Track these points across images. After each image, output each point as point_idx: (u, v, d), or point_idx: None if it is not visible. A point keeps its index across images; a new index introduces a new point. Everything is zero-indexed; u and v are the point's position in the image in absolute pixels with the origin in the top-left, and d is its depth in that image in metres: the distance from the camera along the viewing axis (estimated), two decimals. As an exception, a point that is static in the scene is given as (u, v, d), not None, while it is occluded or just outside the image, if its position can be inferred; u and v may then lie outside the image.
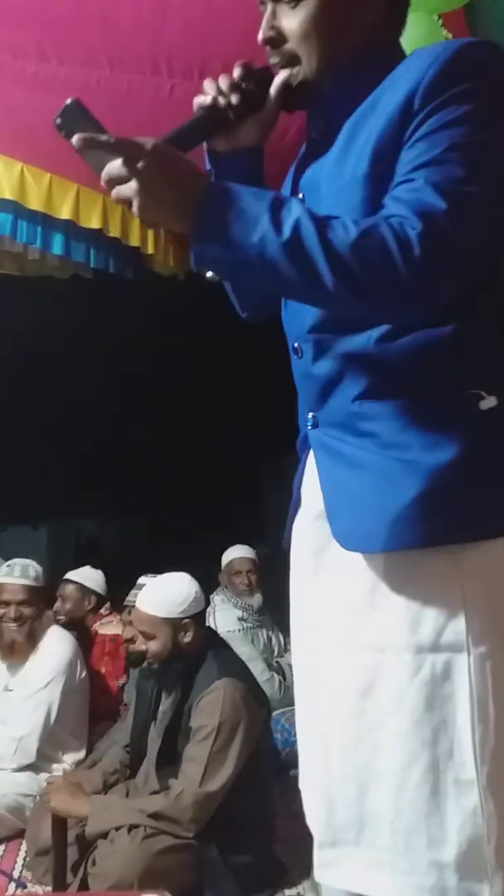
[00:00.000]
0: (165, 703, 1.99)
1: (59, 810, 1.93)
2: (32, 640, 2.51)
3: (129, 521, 7.95)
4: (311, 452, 1.05)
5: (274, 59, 0.97)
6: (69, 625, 2.93)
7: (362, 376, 0.96)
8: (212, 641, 2.08)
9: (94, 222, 2.86)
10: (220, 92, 0.97)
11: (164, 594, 2.00)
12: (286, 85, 0.97)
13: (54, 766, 2.43)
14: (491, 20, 1.99)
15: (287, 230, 0.82)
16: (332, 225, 0.83)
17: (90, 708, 2.65)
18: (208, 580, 3.23)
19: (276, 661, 3.05)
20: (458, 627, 0.91)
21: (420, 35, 1.87)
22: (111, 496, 7.32)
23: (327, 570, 1.01)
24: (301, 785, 1.08)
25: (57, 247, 2.94)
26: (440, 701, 0.90)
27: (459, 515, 0.90)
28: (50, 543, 7.61)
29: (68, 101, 0.86)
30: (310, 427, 1.03)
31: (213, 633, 2.23)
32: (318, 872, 0.99)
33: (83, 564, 3.38)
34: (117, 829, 1.80)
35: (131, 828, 1.78)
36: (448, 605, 0.91)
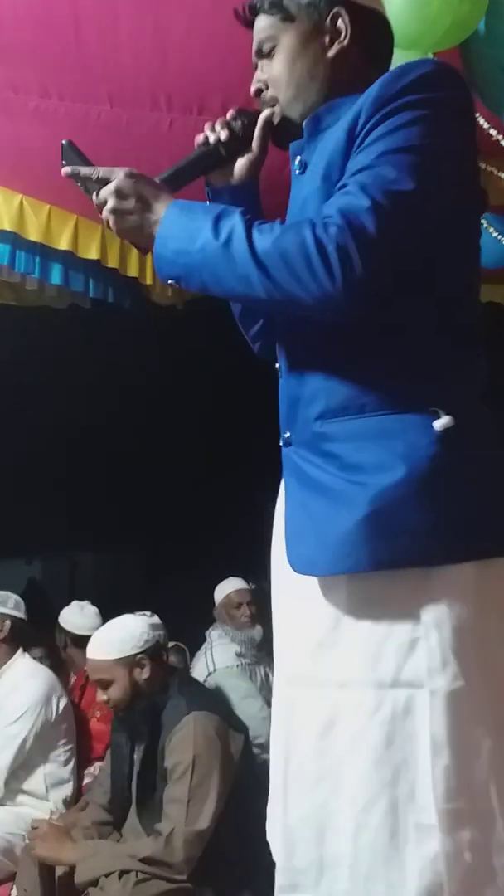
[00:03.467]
0: (139, 751, 1.94)
1: (45, 858, 1.86)
2: None
3: (125, 555, 7.89)
4: None
5: (262, 106, 1.09)
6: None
7: (325, 395, 0.98)
8: (174, 677, 2.03)
9: (92, 253, 2.88)
10: (213, 130, 1.09)
11: (111, 636, 1.98)
12: (267, 122, 1.08)
13: (43, 804, 2.36)
14: (484, 59, 2.02)
15: (223, 235, 0.90)
16: (261, 228, 0.91)
17: (83, 752, 2.58)
18: (207, 614, 3.18)
19: (274, 698, 2.98)
20: (417, 662, 0.89)
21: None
22: (107, 530, 7.26)
23: (294, 599, 1.00)
24: (267, 826, 1.05)
25: (55, 277, 2.96)
26: (401, 740, 0.88)
27: (409, 539, 0.88)
28: (44, 578, 7.52)
29: (63, 141, 1.02)
30: (283, 446, 1.04)
31: (174, 670, 2.18)
32: None
33: (79, 600, 3.32)
34: (108, 875, 1.73)
35: (122, 873, 1.71)
36: (408, 637, 0.89)
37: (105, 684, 1.94)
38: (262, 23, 1.06)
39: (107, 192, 0.97)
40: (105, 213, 0.98)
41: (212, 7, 2.02)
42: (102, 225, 2.85)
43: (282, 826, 0.95)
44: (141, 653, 1.93)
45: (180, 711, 1.85)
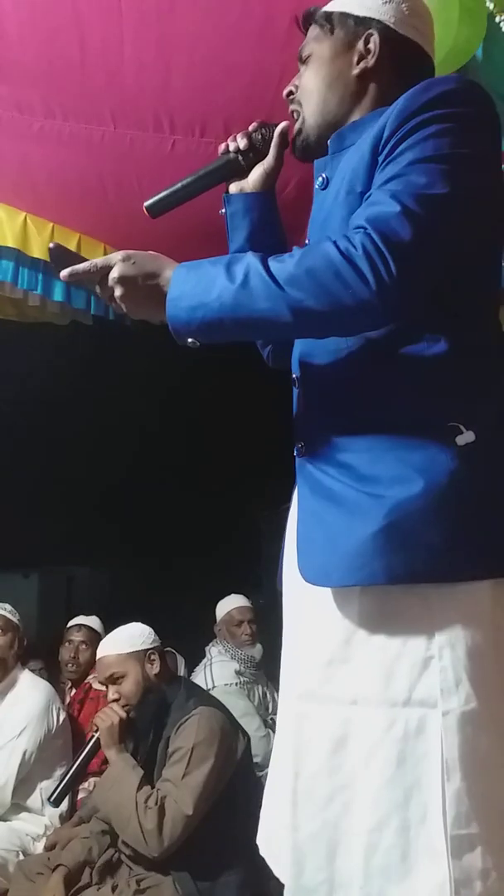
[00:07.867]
0: (142, 752, 1.94)
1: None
2: (3, 670, 2.46)
3: (122, 570, 7.86)
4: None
5: (290, 108, 1.13)
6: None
7: (342, 406, 0.97)
8: (180, 680, 2.09)
9: (94, 271, 2.90)
10: (234, 140, 1.14)
11: (122, 634, 2.08)
12: (284, 133, 1.13)
13: (38, 819, 2.34)
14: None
15: (239, 277, 0.88)
16: (278, 258, 0.89)
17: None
18: (203, 631, 3.17)
19: (271, 718, 2.96)
20: (430, 681, 0.87)
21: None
22: (104, 545, 7.25)
23: (305, 612, 0.98)
24: (261, 838, 1.03)
25: (58, 294, 2.98)
26: (413, 760, 0.86)
27: (425, 553, 0.87)
28: (41, 592, 7.50)
29: (50, 245, 1.04)
30: (297, 455, 1.03)
31: (179, 677, 2.24)
32: None
33: (75, 614, 3.32)
34: (100, 888, 1.75)
35: (114, 888, 1.72)
36: (421, 656, 0.87)
37: (117, 679, 1.98)
38: (310, 32, 1.11)
39: (112, 280, 0.95)
40: (118, 302, 0.96)
41: (214, 29, 2.06)
42: (105, 243, 2.93)
43: (291, 844, 0.92)
44: (151, 648, 2.01)
45: (187, 708, 1.89)
